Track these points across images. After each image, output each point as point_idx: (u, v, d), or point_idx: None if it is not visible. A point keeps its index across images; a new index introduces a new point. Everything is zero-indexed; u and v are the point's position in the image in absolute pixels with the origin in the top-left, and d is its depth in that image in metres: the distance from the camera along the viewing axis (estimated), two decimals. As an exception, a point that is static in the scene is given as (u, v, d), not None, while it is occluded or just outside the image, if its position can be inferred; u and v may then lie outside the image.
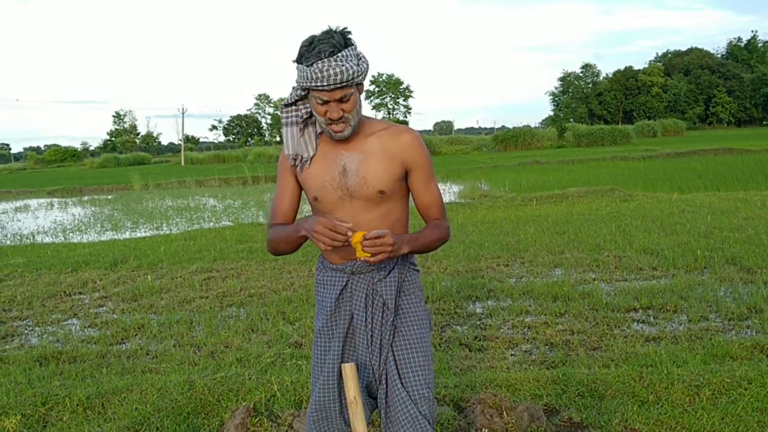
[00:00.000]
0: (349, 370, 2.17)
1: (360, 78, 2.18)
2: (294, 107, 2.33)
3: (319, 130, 2.35)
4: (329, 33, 2.15)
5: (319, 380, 2.45)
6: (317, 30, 2.21)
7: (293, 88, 2.29)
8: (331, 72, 2.11)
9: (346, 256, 2.36)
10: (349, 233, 2.13)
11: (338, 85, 2.14)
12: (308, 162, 2.36)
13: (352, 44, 2.17)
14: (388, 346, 2.38)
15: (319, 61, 2.11)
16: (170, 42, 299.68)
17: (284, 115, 2.35)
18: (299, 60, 2.17)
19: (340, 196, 2.34)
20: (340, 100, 2.19)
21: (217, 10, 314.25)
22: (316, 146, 2.36)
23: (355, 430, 2.18)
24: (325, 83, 2.12)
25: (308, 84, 2.15)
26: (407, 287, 2.45)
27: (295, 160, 2.37)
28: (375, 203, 2.35)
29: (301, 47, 2.17)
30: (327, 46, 2.11)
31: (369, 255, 2.14)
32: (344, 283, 2.42)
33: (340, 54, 2.12)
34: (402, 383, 2.36)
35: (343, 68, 2.12)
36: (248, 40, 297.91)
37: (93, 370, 4.90)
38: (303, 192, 2.49)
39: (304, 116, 2.32)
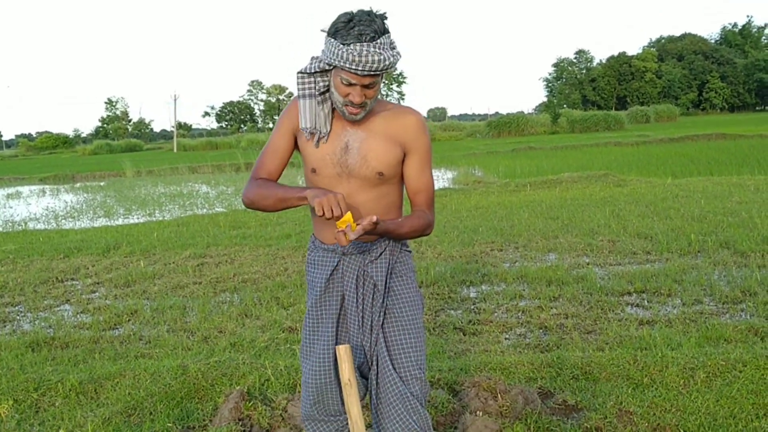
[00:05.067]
0: (343, 352, 2.15)
1: (392, 68, 2.13)
2: (311, 78, 2.25)
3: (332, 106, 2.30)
4: (370, 15, 2.09)
5: (309, 360, 2.44)
6: (350, 6, 2.15)
7: (314, 58, 2.22)
8: (370, 59, 2.05)
9: None
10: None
11: (372, 73, 2.10)
12: (325, 138, 2.30)
13: (388, 31, 2.12)
14: (378, 328, 2.36)
15: (359, 44, 2.05)
16: (162, 29, 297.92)
17: (300, 85, 2.26)
18: (333, 35, 2.10)
19: (338, 172, 2.30)
20: (366, 86, 2.15)
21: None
22: (331, 122, 2.31)
23: (350, 411, 2.16)
24: (360, 68, 2.07)
25: (340, 63, 2.09)
26: (399, 269, 2.43)
27: (312, 134, 2.30)
28: (372, 184, 2.32)
29: (338, 22, 2.09)
30: (369, 30, 2.06)
31: (343, 230, 2.07)
32: (335, 264, 2.39)
33: (379, 40, 2.07)
34: (393, 364, 2.34)
35: (382, 57, 2.07)
36: (240, 26, 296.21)
37: (85, 356, 4.87)
38: (295, 157, 2.43)
39: (321, 90, 2.25)
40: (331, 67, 2.17)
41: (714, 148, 22.78)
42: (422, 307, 2.49)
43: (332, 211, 2.08)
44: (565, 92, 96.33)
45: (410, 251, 2.51)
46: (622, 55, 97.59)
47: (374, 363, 2.37)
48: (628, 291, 5.80)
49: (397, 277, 2.42)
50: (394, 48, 2.14)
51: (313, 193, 2.15)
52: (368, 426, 3.12)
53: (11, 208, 17.85)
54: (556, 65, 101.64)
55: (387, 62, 2.09)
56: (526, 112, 69.06)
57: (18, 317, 6.19)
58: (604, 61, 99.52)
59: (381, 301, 2.36)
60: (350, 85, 2.14)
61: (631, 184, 13.35)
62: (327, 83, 2.24)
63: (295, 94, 2.33)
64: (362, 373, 2.43)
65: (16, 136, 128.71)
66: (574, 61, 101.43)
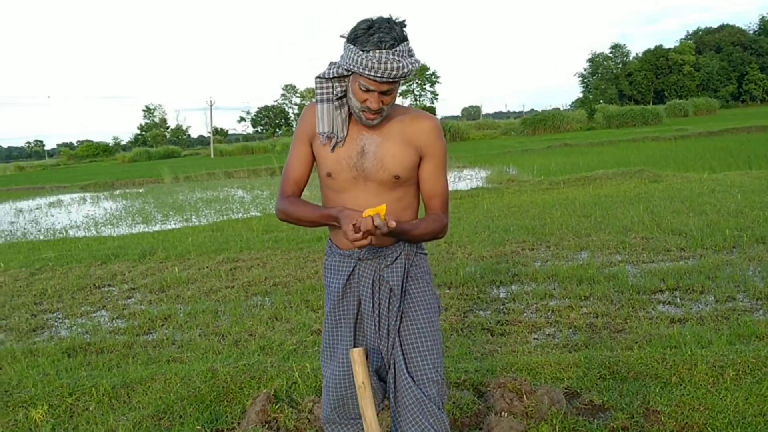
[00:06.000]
0: (357, 355, 2.18)
1: (410, 75, 2.15)
2: (329, 83, 2.27)
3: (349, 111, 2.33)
4: (390, 23, 2.11)
5: (330, 365, 2.47)
6: (368, 14, 2.18)
7: (333, 63, 2.25)
8: (389, 66, 2.08)
9: None
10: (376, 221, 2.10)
11: (390, 80, 2.12)
12: (342, 142, 2.33)
13: (407, 38, 2.14)
14: (395, 332, 2.37)
15: (377, 51, 2.08)
16: (197, 36, 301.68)
17: (319, 89, 2.29)
18: (353, 41, 2.13)
19: (354, 176, 2.33)
20: (384, 92, 2.17)
21: (243, 3, 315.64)
22: (348, 127, 2.34)
23: (364, 414, 2.18)
24: (379, 75, 2.09)
25: (359, 70, 2.11)
26: (415, 272, 2.44)
27: (329, 138, 2.33)
28: (388, 187, 2.34)
29: (357, 29, 2.12)
30: (388, 38, 2.08)
31: (371, 216, 2.09)
32: (351, 269, 2.41)
33: (398, 48, 2.09)
34: (407, 368, 2.36)
35: (401, 64, 2.09)
36: (274, 31, 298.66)
37: (119, 361, 4.97)
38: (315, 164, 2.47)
39: (339, 95, 2.28)
40: (350, 73, 2.20)
41: (754, 140, 22.37)
42: (439, 310, 2.50)
43: (372, 230, 2.10)
44: (601, 87, 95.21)
45: (426, 254, 2.52)
46: (659, 48, 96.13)
47: (391, 367, 2.39)
48: (660, 289, 5.73)
49: (413, 281, 2.44)
50: (412, 55, 2.16)
51: (346, 215, 2.17)
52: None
53: (53, 216, 18.23)
54: (591, 60, 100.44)
55: (405, 69, 2.11)
56: (561, 109, 68.38)
57: (56, 324, 6.33)
58: (640, 55, 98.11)
59: (397, 306, 2.38)
60: (368, 91, 2.17)
61: (667, 180, 13.16)
62: (344, 88, 2.27)
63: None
64: (381, 376, 2.46)
65: (58, 145, 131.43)
66: (610, 55, 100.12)
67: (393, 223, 2.11)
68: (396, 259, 2.39)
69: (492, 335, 4.95)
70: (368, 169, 2.32)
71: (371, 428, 2.18)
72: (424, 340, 2.38)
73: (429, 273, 2.51)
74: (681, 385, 3.69)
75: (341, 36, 2.18)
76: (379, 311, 2.38)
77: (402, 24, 2.14)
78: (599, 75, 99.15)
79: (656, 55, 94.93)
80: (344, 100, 2.29)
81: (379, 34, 2.08)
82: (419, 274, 2.45)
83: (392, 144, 2.31)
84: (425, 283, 2.46)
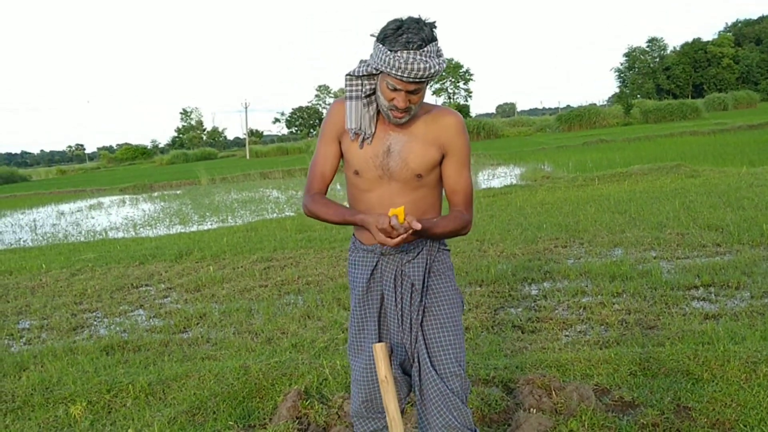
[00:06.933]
0: (379, 350, 2.21)
1: (437, 76, 2.18)
2: (359, 81, 2.31)
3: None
4: (419, 23, 2.14)
5: (358, 359, 2.51)
6: (400, 14, 2.21)
7: (363, 61, 2.29)
8: (415, 66, 2.11)
9: None
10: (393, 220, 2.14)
11: (416, 80, 2.15)
12: (370, 139, 2.36)
13: (436, 39, 2.16)
14: (417, 326, 2.41)
15: (405, 51, 2.11)
16: (232, 40, 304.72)
17: (348, 86, 2.33)
18: (382, 41, 2.16)
19: (379, 175, 2.37)
20: (411, 92, 2.20)
21: (277, 5, 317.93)
22: (376, 125, 2.37)
23: (387, 408, 2.22)
24: (405, 75, 2.13)
25: (386, 69, 2.15)
26: (437, 267, 2.47)
27: (357, 134, 2.37)
28: (411, 187, 2.38)
29: (387, 29, 2.16)
30: (416, 39, 2.11)
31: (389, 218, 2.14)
32: (374, 264, 2.46)
33: (425, 48, 2.12)
34: (431, 362, 2.39)
35: (427, 65, 2.12)
36: (307, 32, 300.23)
37: (155, 358, 5.08)
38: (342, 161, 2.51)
39: (368, 92, 2.31)
40: (378, 72, 2.23)
41: (795, 133, 21.87)
42: (461, 305, 2.52)
43: (388, 230, 2.15)
44: (638, 82, 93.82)
45: (448, 250, 2.55)
46: (697, 41, 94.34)
47: (415, 361, 2.43)
48: (694, 285, 5.67)
49: (436, 276, 2.47)
50: (440, 56, 2.18)
51: (373, 219, 2.21)
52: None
53: (93, 218, 18.59)
54: (627, 55, 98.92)
55: (432, 70, 2.14)
56: (598, 104, 67.61)
57: (95, 323, 6.48)
58: (677, 49, 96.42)
59: (419, 300, 2.41)
60: (395, 90, 2.20)
61: (704, 175, 12.97)
62: (373, 86, 2.30)
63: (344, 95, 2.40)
64: (405, 370, 2.49)
65: (98, 148, 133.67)
66: (647, 49, 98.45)
67: (418, 225, 2.14)
68: (418, 254, 2.43)
69: (522, 332, 4.95)
70: (393, 168, 2.35)
71: (394, 422, 2.22)
72: (446, 334, 2.41)
73: (451, 269, 2.53)
74: (713, 381, 3.65)
75: (372, 35, 2.22)
76: (401, 306, 2.42)
77: (432, 25, 2.16)
78: (636, 69, 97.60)
79: (694, 48, 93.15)
80: (373, 97, 2.33)
81: (408, 35, 2.11)
82: (441, 269, 2.48)
83: (416, 143, 2.34)
84: (447, 278, 2.49)
